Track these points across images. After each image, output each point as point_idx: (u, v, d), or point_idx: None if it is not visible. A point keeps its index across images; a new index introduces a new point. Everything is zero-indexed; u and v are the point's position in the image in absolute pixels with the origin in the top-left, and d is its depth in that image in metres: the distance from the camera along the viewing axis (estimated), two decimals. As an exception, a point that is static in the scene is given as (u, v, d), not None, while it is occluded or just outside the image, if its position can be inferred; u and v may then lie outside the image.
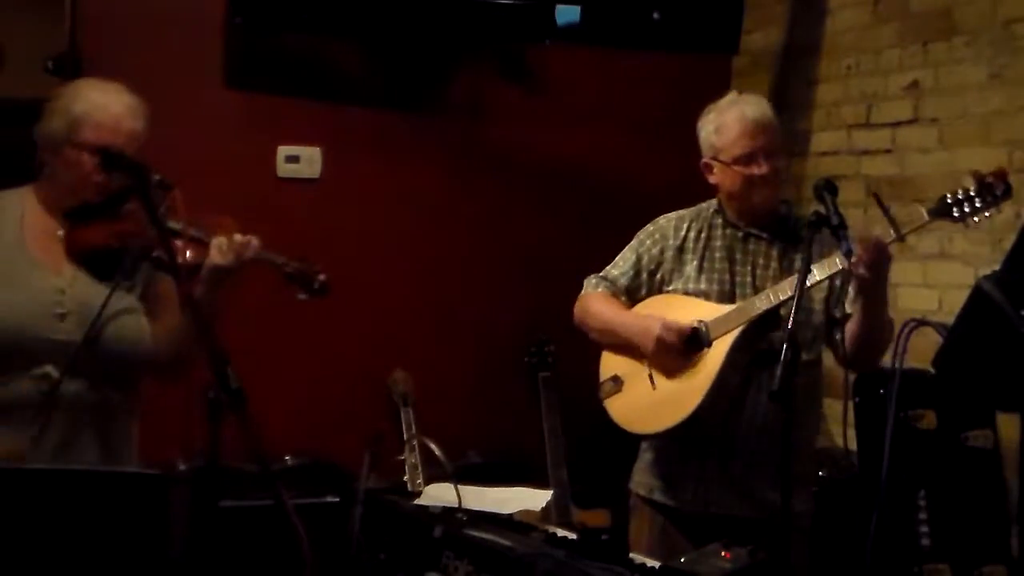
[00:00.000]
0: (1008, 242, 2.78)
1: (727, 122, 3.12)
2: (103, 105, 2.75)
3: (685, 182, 4.72)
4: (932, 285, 4.05)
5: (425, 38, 4.48)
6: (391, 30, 4.37)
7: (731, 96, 3.21)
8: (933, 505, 3.56)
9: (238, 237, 2.80)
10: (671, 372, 3.14)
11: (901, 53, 4.21)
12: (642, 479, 3.31)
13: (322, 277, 2.90)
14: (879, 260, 2.82)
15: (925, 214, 2.83)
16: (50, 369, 2.68)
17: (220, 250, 2.78)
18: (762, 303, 3.01)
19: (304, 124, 4.44)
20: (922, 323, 2.76)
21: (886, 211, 2.82)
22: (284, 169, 4.44)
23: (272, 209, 4.31)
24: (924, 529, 3.56)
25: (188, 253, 2.78)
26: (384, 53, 4.51)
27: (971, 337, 2.44)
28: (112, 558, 2.18)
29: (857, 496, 3.32)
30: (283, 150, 4.44)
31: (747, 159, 3.08)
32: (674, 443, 3.18)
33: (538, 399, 4.31)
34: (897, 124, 4.23)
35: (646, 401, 3.17)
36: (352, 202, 4.50)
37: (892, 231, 2.82)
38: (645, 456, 3.32)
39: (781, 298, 2.97)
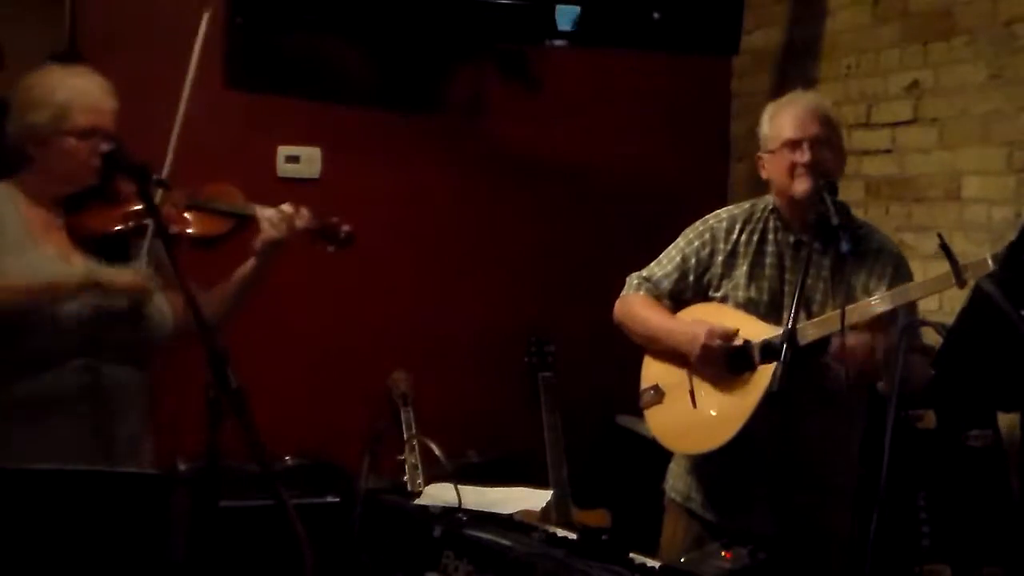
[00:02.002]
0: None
1: (782, 109, 3.08)
2: (85, 89, 2.79)
3: (685, 182, 4.76)
4: (932, 285, 4.04)
5: (425, 38, 4.47)
6: (391, 30, 4.37)
7: (795, 91, 3.19)
8: (933, 505, 3.56)
9: (288, 208, 2.88)
10: (714, 390, 3.02)
11: (901, 53, 4.21)
12: (677, 485, 3.21)
13: (346, 228, 2.95)
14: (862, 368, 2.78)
15: (990, 262, 2.70)
16: (86, 361, 2.69)
17: (272, 224, 2.86)
18: (811, 332, 2.86)
19: (304, 124, 4.44)
20: (922, 323, 2.76)
21: (951, 256, 2.72)
22: (284, 169, 4.44)
23: (272, 209, 4.31)
24: (924, 529, 3.56)
25: (190, 228, 2.81)
26: (384, 53, 4.51)
27: (971, 337, 2.44)
28: (113, 558, 2.18)
29: (857, 496, 3.32)
30: (283, 150, 4.44)
31: (793, 144, 2.99)
32: (713, 459, 3.06)
33: (538, 399, 4.30)
34: (897, 124, 4.23)
35: (685, 420, 3.06)
36: (352, 202, 4.47)
37: (955, 278, 2.72)
38: (681, 461, 3.21)
39: (832, 329, 2.83)
